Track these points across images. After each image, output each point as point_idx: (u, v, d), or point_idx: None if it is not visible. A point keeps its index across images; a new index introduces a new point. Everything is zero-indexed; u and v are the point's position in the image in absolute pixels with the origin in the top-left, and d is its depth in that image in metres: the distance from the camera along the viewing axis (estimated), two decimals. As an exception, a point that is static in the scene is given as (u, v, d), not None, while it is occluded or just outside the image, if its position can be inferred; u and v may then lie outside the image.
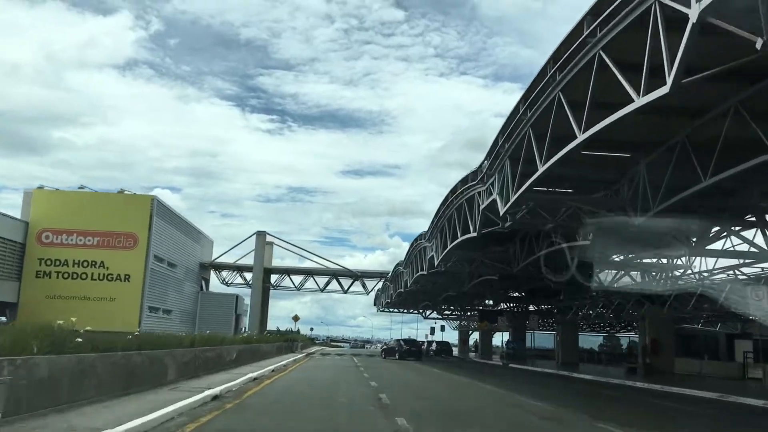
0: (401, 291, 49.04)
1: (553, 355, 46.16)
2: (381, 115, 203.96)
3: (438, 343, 57.42)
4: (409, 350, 41.50)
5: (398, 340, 46.02)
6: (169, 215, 43.92)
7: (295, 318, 49.89)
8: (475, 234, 22.59)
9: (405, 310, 77.26)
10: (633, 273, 31.13)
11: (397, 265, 48.98)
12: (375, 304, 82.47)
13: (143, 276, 39.03)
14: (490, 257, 30.47)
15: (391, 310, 78.23)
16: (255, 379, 17.76)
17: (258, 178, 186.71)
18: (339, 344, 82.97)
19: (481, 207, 20.72)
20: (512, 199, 17.15)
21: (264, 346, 31.68)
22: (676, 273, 29.82)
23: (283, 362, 27.72)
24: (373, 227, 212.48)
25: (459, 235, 25.07)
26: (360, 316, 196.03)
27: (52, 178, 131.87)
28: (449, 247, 27.37)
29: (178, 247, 46.16)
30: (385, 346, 49.71)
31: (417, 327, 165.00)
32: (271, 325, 68.24)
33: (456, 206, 24.99)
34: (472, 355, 64.54)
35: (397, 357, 41.06)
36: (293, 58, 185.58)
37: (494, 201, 18.86)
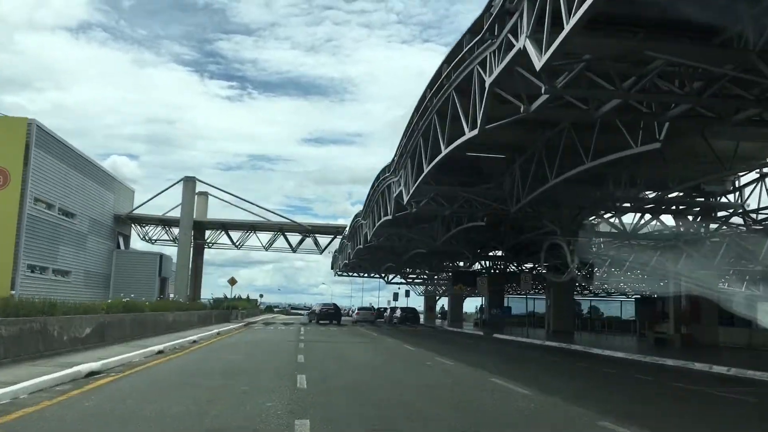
0: (360, 248, 40.81)
1: (536, 322, 38.95)
2: (343, 82, 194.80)
3: (403, 309, 49.76)
4: (326, 313, 42.13)
5: (321, 304, 45.81)
6: (60, 149, 34.13)
7: (231, 281, 41.20)
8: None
9: (365, 274, 69.34)
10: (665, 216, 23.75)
11: (356, 216, 40.61)
12: (332, 268, 74.30)
13: (17, 224, 29.55)
14: (483, 194, 22.26)
15: (350, 273, 70.28)
16: (91, 375, 9.74)
17: (218, 145, 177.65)
18: (299, 312, 75.29)
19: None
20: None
21: (169, 316, 23.10)
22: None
23: (194, 337, 19.96)
24: (335, 195, 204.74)
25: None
26: (321, 284, 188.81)
27: None
28: (426, 172, 19.02)
29: (76, 192, 36.48)
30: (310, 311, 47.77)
31: (378, 294, 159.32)
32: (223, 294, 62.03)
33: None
34: (439, 322, 57.33)
35: (316, 321, 41.41)
36: (253, 23, 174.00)
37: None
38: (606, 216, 24.27)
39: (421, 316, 57.18)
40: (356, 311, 49.90)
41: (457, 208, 23.60)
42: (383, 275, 62.44)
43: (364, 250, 41.13)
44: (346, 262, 52.33)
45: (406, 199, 22.67)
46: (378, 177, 28.78)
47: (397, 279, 63.85)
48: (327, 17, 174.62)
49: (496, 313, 39.28)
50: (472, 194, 22.45)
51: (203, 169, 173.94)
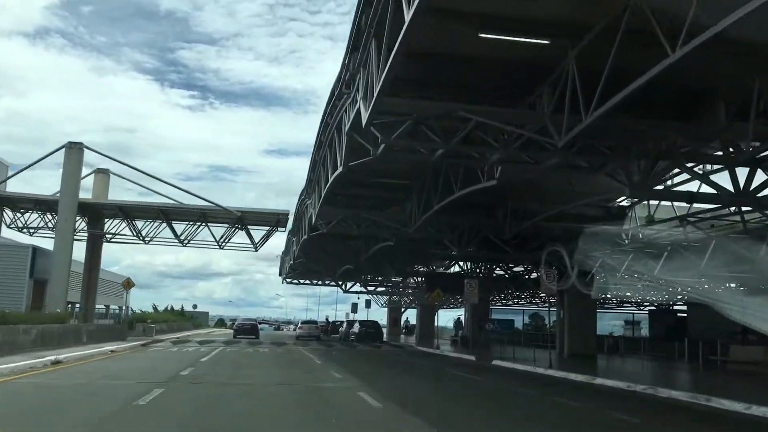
0: (305, 239, 30.56)
1: (532, 339, 29.36)
2: (306, 94, 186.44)
3: (362, 323, 39.54)
4: (244, 329, 40.03)
5: (243, 319, 45.59)
6: None
7: (126, 284, 29.98)
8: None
9: (318, 282, 58.73)
10: None
11: (301, 196, 30.28)
12: (280, 274, 63.39)
13: None
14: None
15: (300, 281, 59.61)
16: None
17: (178, 155, 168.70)
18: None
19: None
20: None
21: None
22: None
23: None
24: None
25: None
26: (279, 296, 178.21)
27: None
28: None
29: None
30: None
31: (336, 307, 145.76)
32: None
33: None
34: (403, 338, 47.24)
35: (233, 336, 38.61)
36: (216, 32, 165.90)
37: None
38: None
39: (384, 331, 46.83)
40: (298, 325, 40.58)
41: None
42: (340, 282, 52.11)
43: (311, 244, 30.91)
44: (291, 262, 41.99)
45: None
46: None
47: (357, 287, 53.56)
48: (291, 29, 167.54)
49: (492, 329, 29.28)
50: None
51: (164, 178, 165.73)
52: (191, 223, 34.62)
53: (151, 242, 36.01)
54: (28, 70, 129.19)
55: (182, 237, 35.15)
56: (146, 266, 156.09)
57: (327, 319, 70.55)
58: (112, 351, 21.65)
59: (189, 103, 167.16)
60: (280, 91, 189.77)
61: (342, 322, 54.94)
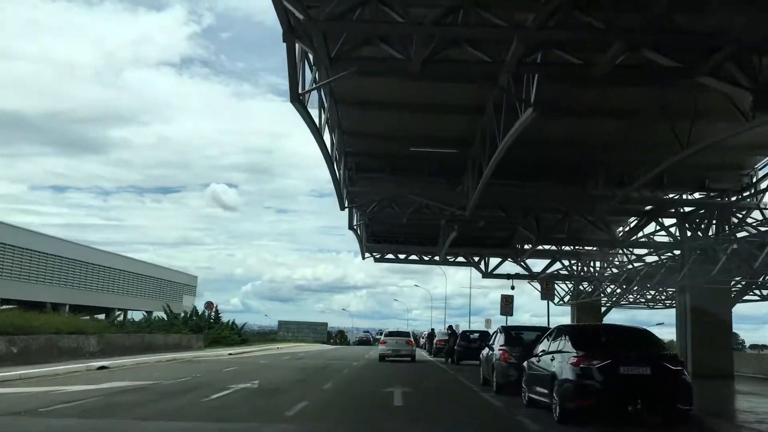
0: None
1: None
2: None
3: (465, 335, 27.60)
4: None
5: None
6: None
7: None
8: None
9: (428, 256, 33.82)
10: None
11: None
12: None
13: None
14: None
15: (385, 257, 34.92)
16: None
17: (311, 173, 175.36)
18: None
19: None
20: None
21: None
22: None
23: None
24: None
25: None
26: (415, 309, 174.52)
27: (112, 177, 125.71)
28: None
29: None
30: None
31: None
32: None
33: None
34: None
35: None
36: None
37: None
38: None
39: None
40: (381, 338, 28.25)
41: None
42: (476, 258, 33.06)
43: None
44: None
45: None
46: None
47: (509, 267, 31.96)
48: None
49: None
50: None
51: (298, 196, 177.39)
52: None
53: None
54: (174, 97, 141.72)
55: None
56: (286, 280, 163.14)
57: (451, 330, 35.51)
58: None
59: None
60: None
61: (474, 332, 29.51)
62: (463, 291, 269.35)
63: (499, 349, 13.50)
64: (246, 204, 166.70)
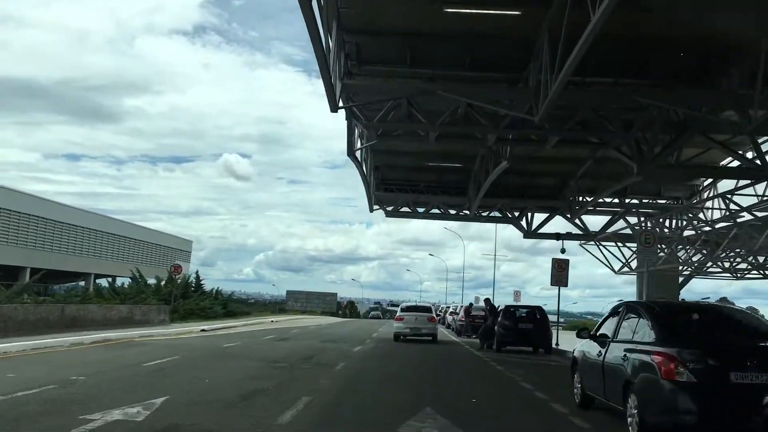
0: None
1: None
2: None
3: (508, 311, 19.74)
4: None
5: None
6: None
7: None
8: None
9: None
10: None
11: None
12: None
13: None
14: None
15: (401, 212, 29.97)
16: None
17: (323, 144, 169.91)
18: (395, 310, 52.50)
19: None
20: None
21: None
22: None
23: None
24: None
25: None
26: (426, 281, 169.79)
27: (126, 146, 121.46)
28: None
29: None
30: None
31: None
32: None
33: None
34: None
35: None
36: None
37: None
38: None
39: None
40: (397, 314, 22.64)
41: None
42: (517, 213, 28.24)
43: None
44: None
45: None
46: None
47: (557, 225, 27.66)
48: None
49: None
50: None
51: (311, 167, 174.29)
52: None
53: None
54: (187, 67, 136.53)
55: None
56: (298, 251, 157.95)
57: (489, 305, 23.45)
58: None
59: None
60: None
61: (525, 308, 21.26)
62: (473, 263, 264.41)
63: (652, 351, 6.27)
64: (259, 174, 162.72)
